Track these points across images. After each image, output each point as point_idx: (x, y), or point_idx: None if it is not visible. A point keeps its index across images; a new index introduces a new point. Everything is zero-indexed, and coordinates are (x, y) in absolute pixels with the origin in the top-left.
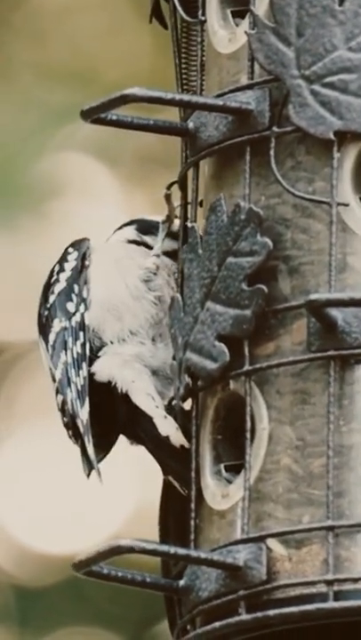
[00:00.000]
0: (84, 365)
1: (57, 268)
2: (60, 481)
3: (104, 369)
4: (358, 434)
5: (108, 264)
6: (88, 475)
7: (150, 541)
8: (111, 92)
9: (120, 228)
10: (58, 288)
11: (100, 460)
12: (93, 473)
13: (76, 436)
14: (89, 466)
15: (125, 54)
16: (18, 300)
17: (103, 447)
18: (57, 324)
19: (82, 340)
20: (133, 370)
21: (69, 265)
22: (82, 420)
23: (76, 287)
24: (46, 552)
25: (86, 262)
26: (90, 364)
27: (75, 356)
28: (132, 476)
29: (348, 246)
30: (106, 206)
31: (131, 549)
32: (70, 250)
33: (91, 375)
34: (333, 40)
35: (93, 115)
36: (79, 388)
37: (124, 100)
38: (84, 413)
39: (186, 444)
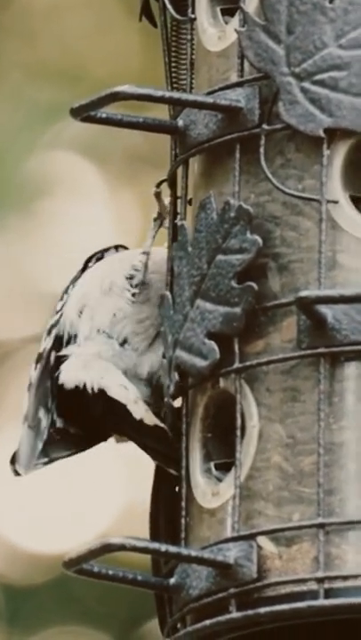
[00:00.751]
0: (44, 360)
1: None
2: (50, 479)
3: (70, 375)
4: (349, 431)
5: (101, 264)
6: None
7: (141, 539)
8: (100, 91)
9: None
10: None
11: (67, 456)
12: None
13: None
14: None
15: (114, 53)
16: (6, 298)
17: (75, 445)
18: (49, 322)
19: (53, 333)
20: (98, 367)
21: (79, 267)
22: (32, 381)
23: (70, 287)
24: (35, 551)
25: (90, 264)
26: (59, 364)
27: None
28: (122, 474)
29: (338, 244)
30: (94, 205)
31: (122, 547)
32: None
33: (60, 386)
34: (324, 37)
35: (83, 112)
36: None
37: (114, 97)
38: (34, 375)
39: (160, 424)
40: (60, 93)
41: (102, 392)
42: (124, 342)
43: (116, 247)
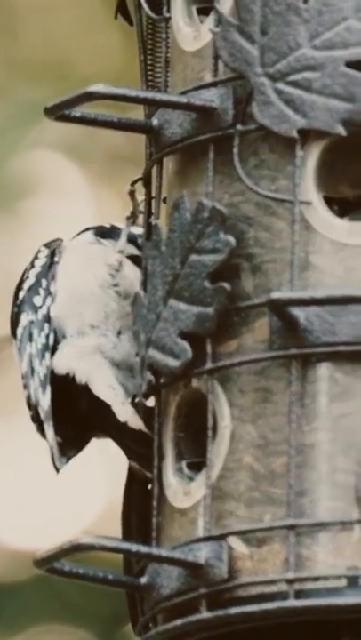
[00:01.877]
0: (47, 355)
1: (28, 267)
2: (34, 477)
3: (62, 362)
4: (320, 433)
5: (78, 259)
6: (56, 469)
7: (112, 539)
8: (75, 90)
9: (77, 235)
10: (27, 284)
11: (72, 457)
12: (58, 464)
13: (42, 428)
14: (52, 456)
15: (99, 51)
16: None
17: (75, 444)
18: (24, 319)
19: (46, 330)
20: (92, 361)
21: (39, 262)
22: (42, 407)
23: (44, 282)
24: (19, 548)
25: (55, 259)
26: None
27: (39, 346)
28: (105, 471)
29: (311, 245)
30: (77, 204)
31: (92, 547)
32: (42, 249)
33: (51, 370)
34: (298, 38)
35: (57, 112)
36: (42, 377)
37: (89, 97)
38: (45, 400)
39: (144, 428)
40: (44, 92)
41: (88, 387)
42: (119, 333)
43: (60, 240)
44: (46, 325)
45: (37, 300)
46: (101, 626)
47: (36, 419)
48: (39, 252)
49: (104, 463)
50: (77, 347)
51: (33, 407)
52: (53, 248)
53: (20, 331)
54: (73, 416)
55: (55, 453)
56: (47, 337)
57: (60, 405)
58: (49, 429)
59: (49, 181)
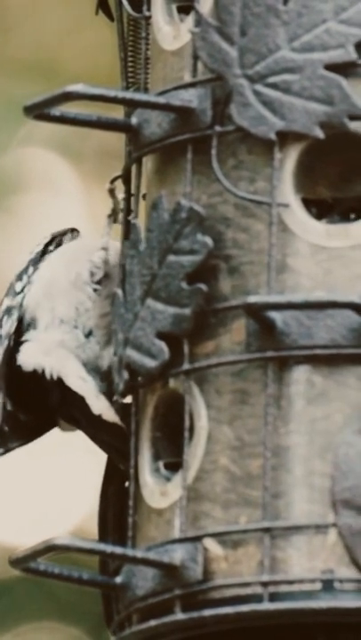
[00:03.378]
0: (5, 342)
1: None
2: (24, 473)
3: (28, 358)
4: (296, 435)
5: (66, 252)
6: None
7: (87, 540)
8: (53, 90)
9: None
10: (18, 270)
11: (16, 447)
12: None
13: None
14: None
15: (88, 49)
16: None
17: (25, 435)
18: (5, 302)
19: (15, 315)
20: (59, 355)
21: (37, 248)
22: None
23: (30, 269)
24: (9, 545)
25: (51, 247)
26: (17, 349)
27: (2, 333)
28: (95, 467)
29: (288, 247)
30: (67, 201)
31: (66, 547)
32: (46, 235)
33: (17, 367)
34: (277, 40)
35: (36, 111)
36: None
37: (67, 97)
38: None
39: (119, 422)
40: (34, 89)
41: (61, 380)
42: (89, 334)
43: (72, 230)
44: (15, 312)
45: (18, 286)
46: (91, 623)
47: None
48: (44, 238)
49: (93, 461)
50: (42, 342)
51: None
52: (55, 236)
53: None
54: (34, 409)
55: None
56: (14, 321)
57: (21, 400)
58: None
59: (40, 179)
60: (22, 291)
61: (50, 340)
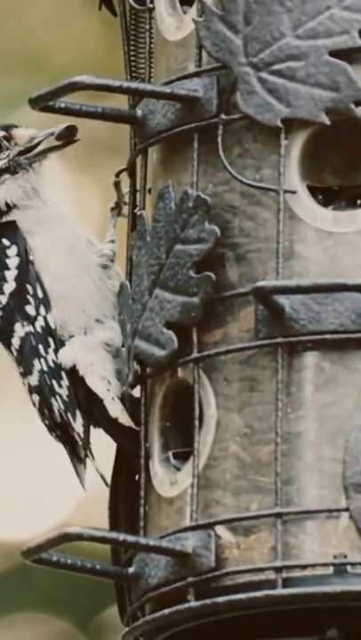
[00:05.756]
0: (64, 375)
1: None
2: (11, 466)
3: (69, 355)
4: (306, 421)
5: (62, 254)
6: (83, 485)
7: (99, 529)
8: (61, 79)
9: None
10: (8, 288)
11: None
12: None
13: (66, 440)
14: (81, 476)
15: (75, 41)
16: None
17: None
18: (19, 329)
19: (53, 346)
20: (97, 354)
21: (12, 262)
22: (78, 432)
23: (29, 287)
24: None
25: (30, 257)
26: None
27: (51, 364)
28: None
29: (296, 234)
30: (56, 191)
31: (79, 537)
32: (6, 242)
33: (58, 364)
34: (281, 27)
35: (42, 102)
36: (65, 399)
37: (73, 87)
38: (78, 426)
39: (133, 425)
40: (21, 82)
41: (83, 380)
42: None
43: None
44: (51, 340)
45: (30, 310)
46: (78, 614)
47: (55, 429)
48: (4, 247)
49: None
50: (86, 343)
51: (55, 421)
52: (20, 243)
53: (16, 341)
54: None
55: (82, 474)
56: (56, 352)
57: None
58: (91, 457)
59: None
60: (39, 313)
61: (94, 340)
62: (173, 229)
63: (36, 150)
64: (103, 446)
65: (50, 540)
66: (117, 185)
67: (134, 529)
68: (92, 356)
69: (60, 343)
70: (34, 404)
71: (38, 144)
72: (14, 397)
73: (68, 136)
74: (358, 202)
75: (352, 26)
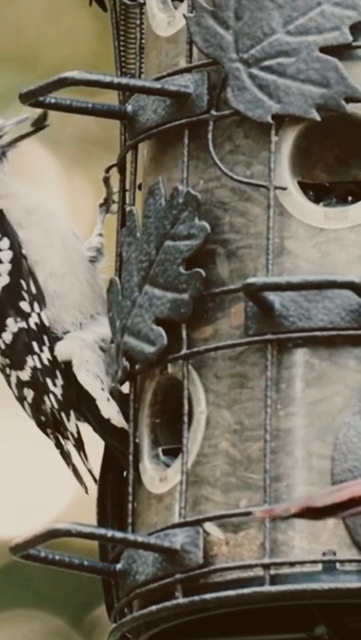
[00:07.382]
0: (58, 374)
1: None
2: (3, 464)
3: (66, 349)
4: (296, 418)
5: (56, 249)
6: (85, 488)
7: (87, 525)
8: (52, 75)
9: None
10: (1, 282)
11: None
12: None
13: (57, 436)
14: (77, 474)
15: (67, 37)
16: None
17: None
18: (12, 324)
19: (47, 343)
20: (93, 352)
21: (5, 255)
22: (71, 432)
23: (23, 283)
24: None
25: (23, 251)
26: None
27: (46, 362)
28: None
29: (286, 230)
30: (48, 188)
31: (67, 533)
32: None
33: (53, 362)
34: (272, 23)
35: (32, 98)
36: (60, 398)
37: (63, 83)
38: (71, 426)
39: (126, 427)
40: (12, 78)
41: (75, 377)
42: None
43: None
44: (45, 338)
45: (25, 306)
46: (71, 611)
47: (49, 426)
48: None
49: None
50: (82, 339)
51: (48, 416)
52: (12, 235)
53: (7, 336)
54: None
55: (79, 474)
56: (51, 350)
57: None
58: (77, 454)
59: (20, 167)
60: (33, 310)
61: (90, 337)
62: (163, 225)
63: (8, 139)
64: (91, 442)
65: (38, 535)
66: (107, 181)
67: (123, 525)
68: (88, 353)
69: (53, 340)
70: (21, 399)
71: (5, 134)
72: (5, 396)
73: (41, 122)
74: (349, 198)
75: (343, 22)
